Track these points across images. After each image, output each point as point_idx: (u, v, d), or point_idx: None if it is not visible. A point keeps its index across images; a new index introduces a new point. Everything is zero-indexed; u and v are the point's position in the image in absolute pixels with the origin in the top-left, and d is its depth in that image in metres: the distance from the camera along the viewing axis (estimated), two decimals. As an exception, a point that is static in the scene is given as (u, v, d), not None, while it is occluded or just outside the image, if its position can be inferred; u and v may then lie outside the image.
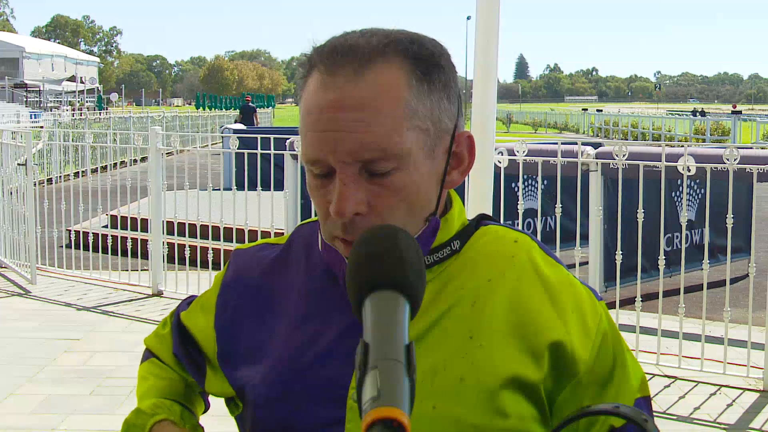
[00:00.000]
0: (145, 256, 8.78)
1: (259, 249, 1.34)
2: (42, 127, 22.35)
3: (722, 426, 4.94)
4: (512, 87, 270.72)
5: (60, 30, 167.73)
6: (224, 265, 1.38)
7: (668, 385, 5.57)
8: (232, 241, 8.41)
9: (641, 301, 6.01)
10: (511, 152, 6.40)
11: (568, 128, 53.59)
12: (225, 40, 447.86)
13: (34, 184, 9.17)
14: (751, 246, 5.90)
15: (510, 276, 1.18)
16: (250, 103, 30.56)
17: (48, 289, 8.27)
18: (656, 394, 5.38)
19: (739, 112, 47.82)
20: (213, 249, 7.79)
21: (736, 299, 7.53)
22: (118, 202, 9.97)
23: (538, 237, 1.30)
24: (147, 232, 8.69)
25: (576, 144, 6.88)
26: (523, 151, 6.30)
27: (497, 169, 6.16)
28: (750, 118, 39.57)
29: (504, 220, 6.74)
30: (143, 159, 14.07)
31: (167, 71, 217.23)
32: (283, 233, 8.15)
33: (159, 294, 8.02)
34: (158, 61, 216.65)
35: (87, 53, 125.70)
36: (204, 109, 58.79)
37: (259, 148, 7.59)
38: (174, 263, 8.91)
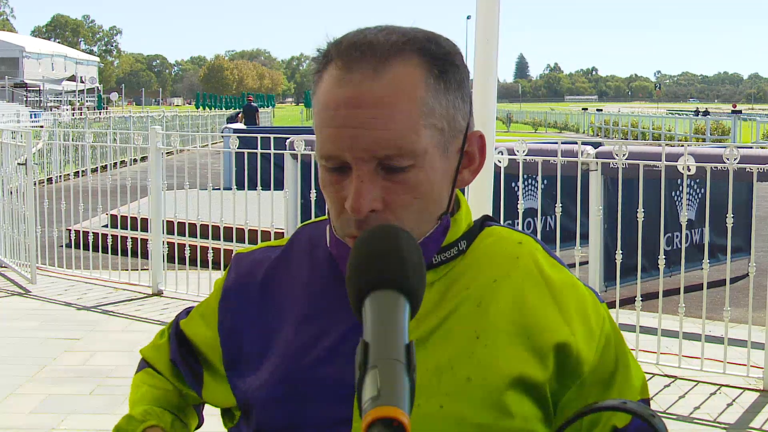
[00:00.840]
0: (145, 255, 8.78)
1: (260, 252, 1.33)
2: (42, 126, 22.37)
3: (722, 425, 4.94)
4: (512, 86, 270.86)
5: (60, 29, 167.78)
6: (224, 265, 1.38)
7: (668, 385, 5.57)
8: (232, 241, 8.42)
9: (641, 300, 6.01)
10: (511, 152, 6.40)
11: (568, 128, 53.58)
12: (225, 39, 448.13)
13: (34, 184, 9.16)
14: (751, 245, 5.90)
15: (515, 277, 1.19)
16: (253, 103, 30.59)
17: (48, 288, 8.26)
18: (656, 394, 5.38)
19: (739, 112, 47.85)
20: (213, 248, 7.79)
21: (736, 299, 7.53)
22: (118, 202, 9.97)
23: (538, 237, 1.31)
24: (147, 231, 8.69)
25: (576, 143, 6.88)
26: (523, 151, 6.29)
27: (497, 168, 6.16)
28: (750, 118, 39.56)
29: (504, 219, 6.75)
30: (143, 158, 14.07)
31: (167, 71, 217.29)
32: (283, 233, 8.22)
33: (159, 294, 8.02)
34: (158, 61, 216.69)
35: (87, 53, 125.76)
36: (204, 108, 58.85)
37: (259, 147, 7.59)
38: (174, 263, 8.91)
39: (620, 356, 1.21)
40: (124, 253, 8.72)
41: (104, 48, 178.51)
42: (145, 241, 8.84)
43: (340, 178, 1.13)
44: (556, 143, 6.65)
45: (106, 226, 10.16)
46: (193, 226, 9.10)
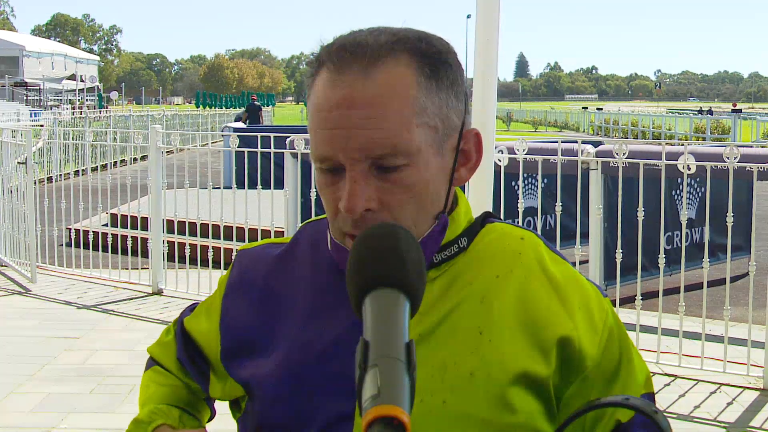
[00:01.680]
0: (145, 254, 8.79)
1: (263, 248, 1.34)
2: (42, 125, 22.37)
3: (722, 424, 4.95)
4: (512, 85, 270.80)
5: (60, 28, 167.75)
6: (224, 264, 1.38)
7: (668, 384, 5.57)
8: (232, 240, 8.42)
9: (641, 299, 6.01)
10: (511, 151, 6.40)
11: (568, 127, 53.57)
12: (225, 38, 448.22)
13: (34, 183, 9.16)
14: (751, 244, 5.90)
15: (517, 273, 1.19)
16: (256, 102, 30.69)
17: (48, 287, 8.27)
18: (656, 393, 5.34)
19: (739, 111, 47.84)
20: (213, 247, 7.79)
21: (737, 298, 7.53)
22: (118, 201, 9.96)
23: (539, 234, 1.30)
24: (147, 230, 8.69)
25: (576, 142, 6.87)
26: (524, 150, 6.29)
27: (497, 167, 6.16)
28: (750, 117, 39.58)
29: (504, 218, 6.72)
30: (143, 157, 14.08)
31: (167, 70, 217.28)
32: (283, 232, 8.22)
33: (159, 292, 8.03)
34: (158, 60, 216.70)
35: (87, 52, 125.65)
36: (204, 107, 58.85)
37: (259, 146, 7.59)
38: (174, 262, 8.91)
39: (624, 351, 1.21)
40: (124, 252, 8.72)
41: (104, 47, 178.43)
42: (145, 240, 8.84)
43: (335, 179, 1.13)
44: (557, 142, 6.65)
45: (106, 225, 10.16)
46: (193, 225, 9.09)
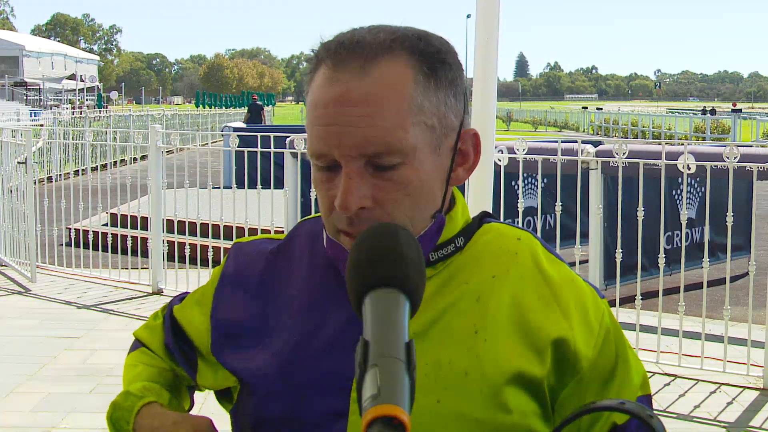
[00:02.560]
0: (145, 254, 8.79)
1: (259, 243, 1.34)
2: (42, 125, 22.36)
3: (722, 424, 4.95)
4: (512, 85, 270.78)
5: (60, 28, 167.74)
6: (224, 258, 1.38)
7: (668, 384, 5.57)
8: (232, 240, 8.40)
9: (641, 299, 6.01)
10: (511, 150, 6.40)
11: (568, 126, 53.55)
12: (225, 38, 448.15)
13: (34, 183, 9.16)
14: (751, 244, 5.90)
15: (514, 273, 1.19)
16: (258, 101, 30.70)
17: (48, 287, 8.27)
18: (656, 393, 5.38)
19: (739, 111, 47.84)
20: (213, 247, 7.79)
21: (736, 297, 7.53)
22: (118, 201, 9.96)
23: (538, 235, 1.30)
24: (147, 230, 8.69)
25: (576, 142, 6.88)
26: (523, 150, 6.29)
27: (497, 167, 6.16)
28: (750, 117, 39.58)
29: (504, 218, 6.75)
30: (143, 157, 14.06)
31: (167, 69, 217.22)
32: (283, 231, 8.18)
33: (159, 292, 8.03)
34: (158, 59, 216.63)
35: (87, 51, 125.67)
36: (204, 107, 58.86)
37: (259, 146, 7.59)
38: (174, 261, 8.91)
39: (620, 352, 1.20)
40: (124, 251, 8.72)
41: (104, 47, 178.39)
42: (145, 240, 8.84)
43: (330, 176, 1.14)
44: (556, 142, 6.65)
45: (106, 224, 10.16)
46: (193, 224, 9.09)
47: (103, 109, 45.97)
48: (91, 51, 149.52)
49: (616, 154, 6.08)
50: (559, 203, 6.30)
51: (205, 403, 2.93)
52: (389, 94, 1.10)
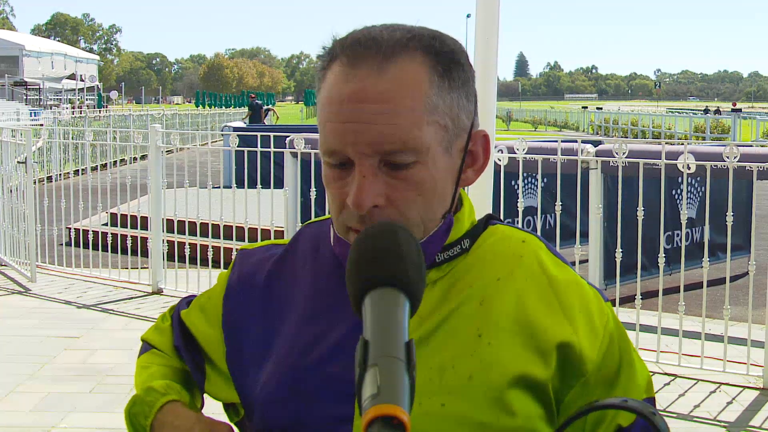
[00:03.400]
0: (145, 254, 8.79)
1: (265, 250, 1.33)
2: (42, 125, 22.35)
3: (722, 424, 4.95)
4: (512, 85, 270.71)
5: (60, 28, 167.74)
6: (224, 263, 1.37)
7: (668, 383, 5.57)
8: (232, 239, 8.42)
9: (641, 298, 6.01)
10: (511, 150, 6.40)
11: (568, 126, 53.55)
12: (225, 37, 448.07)
13: (34, 182, 9.16)
14: (751, 244, 5.90)
15: (518, 276, 1.19)
16: (256, 101, 30.69)
17: (48, 287, 8.27)
18: (656, 392, 5.33)
19: (739, 110, 47.83)
20: (213, 247, 7.79)
21: (736, 297, 7.53)
22: (118, 200, 9.96)
23: (542, 237, 1.29)
24: (147, 230, 8.69)
25: (576, 142, 6.88)
26: (523, 149, 6.29)
27: (497, 166, 6.16)
28: (750, 116, 39.58)
29: (504, 218, 6.75)
30: (143, 157, 14.07)
31: (167, 69, 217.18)
32: (282, 231, 8.21)
33: (159, 292, 8.03)
34: (158, 59, 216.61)
35: (87, 51, 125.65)
36: (204, 107, 58.87)
37: (258, 146, 7.59)
38: (174, 261, 8.91)
39: (624, 355, 1.20)
40: (124, 251, 8.72)
41: (104, 46, 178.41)
42: (145, 240, 8.84)
43: (342, 174, 1.13)
44: (556, 141, 6.65)
45: (106, 224, 10.17)
46: (193, 224, 9.09)
47: (102, 109, 45.99)
48: (91, 51, 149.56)
49: (616, 153, 6.08)
50: (558, 203, 6.30)
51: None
52: (406, 93, 1.10)
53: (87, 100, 56.23)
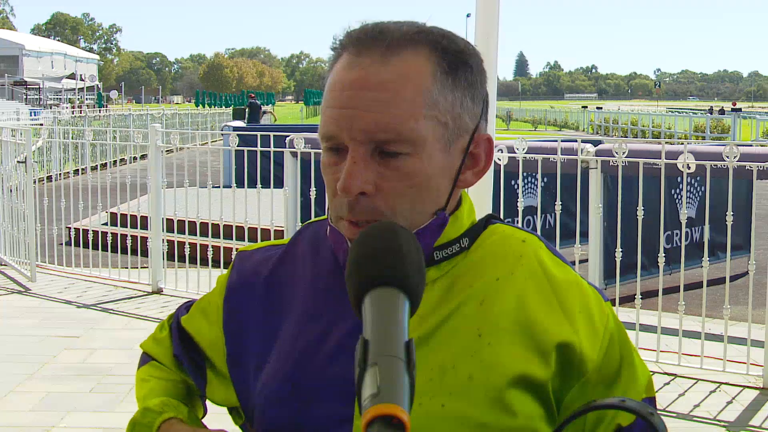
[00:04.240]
0: (144, 253, 8.78)
1: (264, 251, 1.33)
2: (42, 124, 22.37)
3: (722, 423, 4.95)
4: (512, 84, 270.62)
5: (60, 27, 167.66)
6: (224, 263, 1.38)
7: (668, 383, 5.57)
8: (232, 239, 8.41)
9: (641, 298, 6.01)
10: (510, 150, 6.40)
11: (568, 126, 53.54)
12: (225, 37, 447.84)
13: (34, 182, 9.16)
14: (750, 243, 5.90)
15: (518, 276, 1.19)
16: (255, 100, 30.72)
17: (48, 286, 8.26)
18: (656, 392, 5.37)
19: (739, 110, 47.81)
20: (213, 246, 7.79)
21: (736, 297, 7.53)
22: (117, 200, 9.96)
23: (542, 237, 1.29)
24: (147, 229, 8.69)
25: (576, 141, 6.87)
26: (523, 149, 6.29)
27: (497, 166, 6.16)
28: (750, 116, 39.58)
29: (504, 217, 6.74)
30: (143, 156, 14.05)
31: (167, 69, 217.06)
32: (282, 231, 8.20)
33: (159, 291, 8.02)
34: (158, 59, 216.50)
35: (87, 51, 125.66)
36: (204, 106, 58.85)
37: (258, 145, 7.59)
38: (174, 261, 8.91)
39: (624, 354, 1.20)
40: (124, 251, 8.72)
41: (104, 46, 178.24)
42: (144, 239, 8.84)
43: (337, 159, 1.14)
44: (556, 141, 6.65)
45: (106, 224, 10.16)
46: (192, 224, 9.10)
47: (102, 109, 45.99)
48: (90, 50, 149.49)
49: (616, 153, 6.08)
50: (558, 202, 6.30)
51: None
52: (406, 84, 1.11)
53: (87, 99, 56.25)
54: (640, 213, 5.90)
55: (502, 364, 1.13)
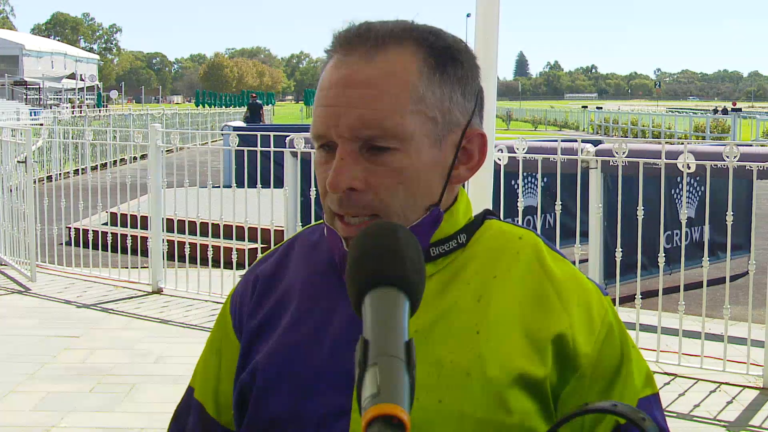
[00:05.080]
0: (144, 253, 8.79)
1: (263, 259, 1.34)
2: (42, 124, 22.36)
3: (722, 423, 4.95)
4: (512, 84, 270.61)
5: (60, 27, 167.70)
6: (224, 263, 1.38)
7: (668, 383, 5.57)
8: (231, 239, 8.42)
9: (641, 298, 6.01)
10: (510, 149, 6.40)
11: (568, 125, 53.55)
12: (225, 37, 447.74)
13: (34, 182, 9.16)
14: (751, 243, 5.90)
15: (515, 272, 1.19)
16: (257, 100, 30.76)
17: (48, 286, 8.27)
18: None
19: (739, 110, 47.82)
20: (213, 246, 7.79)
21: (736, 296, 7.53)
22: (117, 200, 9.96)
23: (538, 233, 1.30)
24: (147, 229, 8.69)
25: (576, 141, 6.87)
26: (523, 149, 6.29)
27: (497, 166, 6.16)
28: (750, 116, 39.59)
29: (504, 217, 6.70)
30: (143, 156, 14.05)
31: (167, 68, 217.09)
32: (282, 231, 8.21)
33: (159, 291, 8.02)
34: (158, 59, 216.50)
35: (87, 51, 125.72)
36: (204, 106, 58.84)
37: (258, 145, 7.59)
38: (174, 260, 8.91)
39: (624, 350, 1.20)
40: (124, 250, 8.72)
41: (104, 46, 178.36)
42: (145, 239, 8.84)
43: (328, 158, 1.15)
44: (556, 141, 6.65)
45: (106, 224, 10.16)
46: (192, 223, 9.10)
47: (102, 108, 45.99)
48: (90, 50, 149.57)
49: (616, 153, 6.08)
50: (558, 202, 6.30)
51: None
52: (390, 80, 1.12)
53: (87, 99, 56.23)
54: (640, 213, 5.90)
55: (499, 360, 1.14)
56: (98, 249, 8.75)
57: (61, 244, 9.43)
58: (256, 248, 8.69)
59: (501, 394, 1.13)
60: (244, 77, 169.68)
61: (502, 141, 6.92)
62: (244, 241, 8.86)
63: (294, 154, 7.55)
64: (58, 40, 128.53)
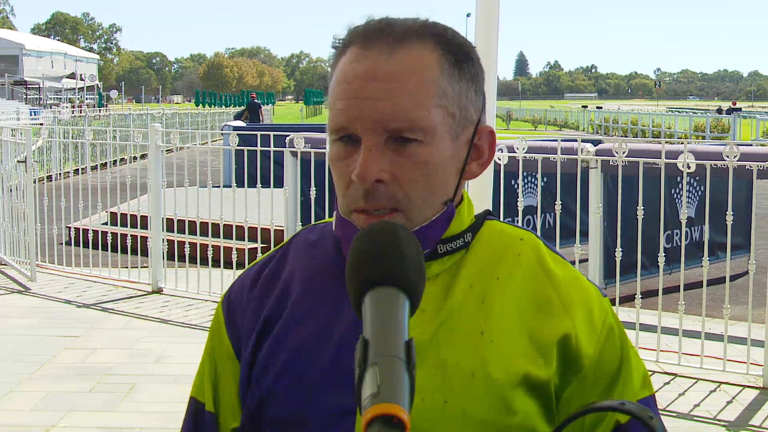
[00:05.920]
0: (144, 253, 8.78)
1: (249, 270, 1.32)
2: (42, 124, 22.36)
3: (722, 423, 4.95)
4: (512, 84, 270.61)
5: (60, 27, 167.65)
6: (224, 262, 1.36)
7: (668, 382, 5.57)
8: (231, 239, 8.41)
9: (641, 298, 6.01)
10: (510, 149, 6.40)
11: (568, 125, 53.54)
12: (225, 37, 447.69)
13: (34, 182, 9.16)
14: (750, 243, 5.90)
15: (518, 274, 1.20)
16: (256, 100, 30.78)
17: (48, 286, 8.27)
18: (656, 392, 5.35)
19: (739, 110, 47.80)
20: (213, 246, 7.79)
21: (736, 296, 7.53)
22: (117, 200, 9.96)
23: (538, 234, 1.30)
24: (147, 229, 8.69)
25: (576, 141, 6.87)
26: (523, 148, 6.29)
27: (497, 166, 6.16)
28: (750, 116, 39.58)
29: (504, 217, 6.75)
30: (143, 156, 14.05)
31: (167, 68, 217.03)
32: (282, 230, 8.20)
33: (159, 291, 8.02)
34: (158, 59, 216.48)
35: (87, 50, 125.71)
36: (204, 106, 58.86)
37: (258, 145, 7.59)
38: (174, 260, 8.91)
39: (624, 352, 1.21)
40: (124, 250, 8.72)
41: (104, 45, 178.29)
42: (144, 239, 8.83)
43: (349, 151, 1.14)
44: (556, 141, 6.65)
45: (106, 223, 10.16)
46: (192, 223, 9.10)
47: (102, 108, 46.00)
48: (90, 50, 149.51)
49: (616, 152, 6.08)
50: (558, 202, 6.30)
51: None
52: (414, 74, 1.13)
53: (87, 99, 56.26)
54: (640, 213, 5.90)
55: (504, 361, 1.14)
56: (98, 249, 8.75)
57: (61, 243, 9.43)
58: (256, 248, 8.70)
59: (505, 395, 1.13)
60: (244, 77, 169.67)
61: (502, 141, 6.91)
62: (244, 240, 8.86)
63: (294, 154, 7.55)
64: (58, 40, 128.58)
